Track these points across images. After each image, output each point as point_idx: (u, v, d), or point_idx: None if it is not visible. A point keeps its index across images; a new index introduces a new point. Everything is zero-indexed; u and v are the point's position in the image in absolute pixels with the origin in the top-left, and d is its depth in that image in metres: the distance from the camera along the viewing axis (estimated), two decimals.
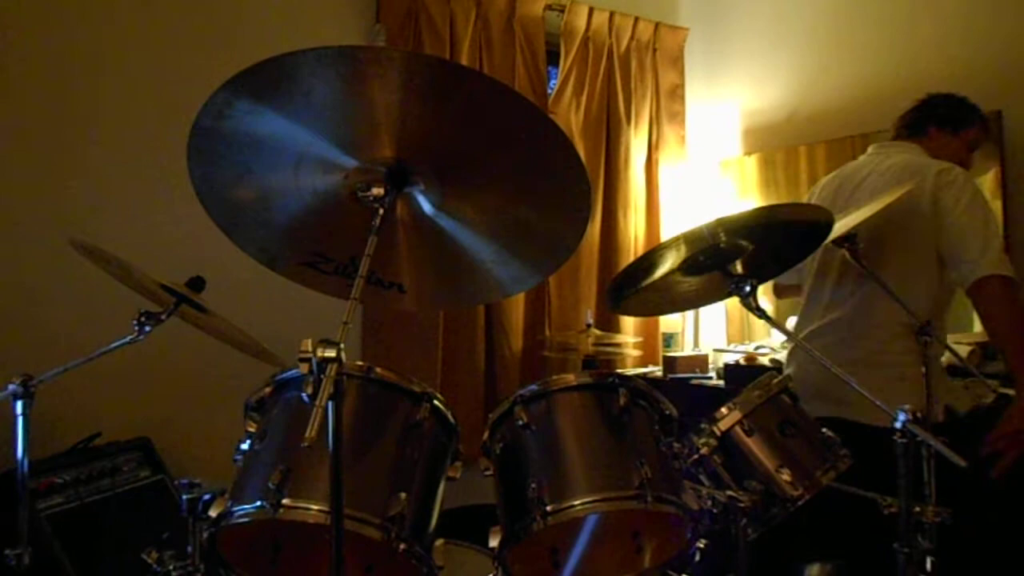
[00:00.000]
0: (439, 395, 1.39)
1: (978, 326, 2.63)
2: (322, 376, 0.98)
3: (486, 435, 1.50)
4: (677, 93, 3.67)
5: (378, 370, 1.35)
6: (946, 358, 2.42)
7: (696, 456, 1.56)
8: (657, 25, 3.57)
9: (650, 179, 3.57)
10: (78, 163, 2.36)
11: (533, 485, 1.31)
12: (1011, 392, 1.91)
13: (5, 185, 2.25)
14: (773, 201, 3.32)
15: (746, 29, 3.58)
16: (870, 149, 2.23)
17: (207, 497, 1.31)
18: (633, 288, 1.62)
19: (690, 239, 1.44)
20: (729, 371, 2.79)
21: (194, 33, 2.54)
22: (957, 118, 2.16)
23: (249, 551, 1.35)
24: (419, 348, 2.93)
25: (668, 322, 3.49)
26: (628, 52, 3.50)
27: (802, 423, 1.62)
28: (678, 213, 3.57)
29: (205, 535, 1.26)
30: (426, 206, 1.34)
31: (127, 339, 1.58)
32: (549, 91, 3.30)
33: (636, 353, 3.32)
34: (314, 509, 1.17)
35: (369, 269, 1.15)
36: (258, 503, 1.18)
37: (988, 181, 2.66)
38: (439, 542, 1.30)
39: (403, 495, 1.23)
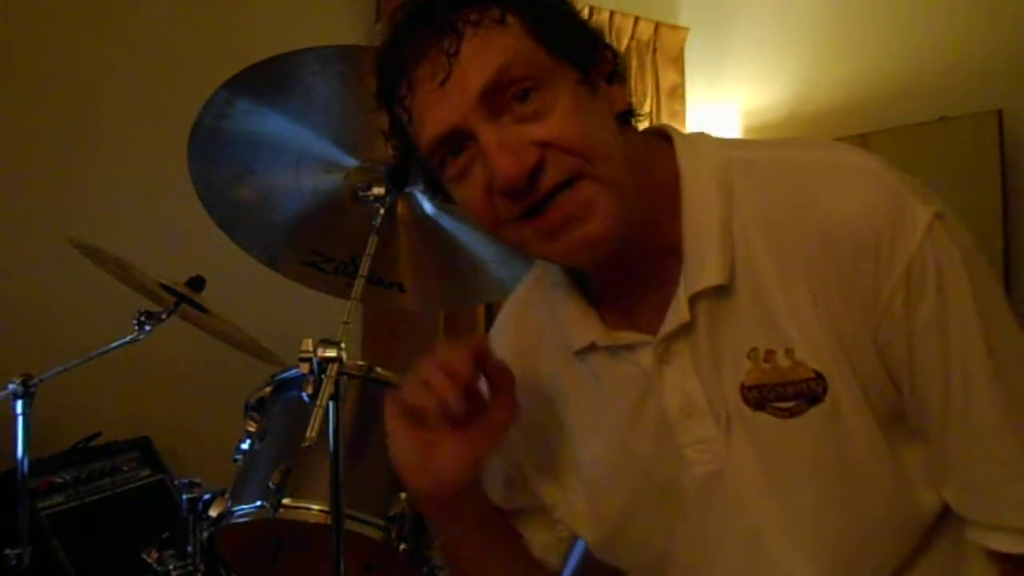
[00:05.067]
0: None
1: None
2: (322, 376, 0.98)
3: None
4: (677, 93, 3.66)
5: (378, 370, 1.35)
6: None
7: None
8: (657, 25, 3.57)
9: None
10: (78, 163, 2.35)
11: None
12: None
13: (5, 185, 2.24)
14: None
15: (746, 29, 3.58)
16: None
17: (207, 497, 1.31)
18: None
19: None
20: None
21: (194, 32, 2.54)
22: None
23: (249, 551, 1.35)
24: (419, 348, 2.91)
25: None
26: (628, 51, 3.49)
27: None
28: None
29: (205, 535, 1.27)
30: (427, 205, 1.34)
31: (127, 339, 1.58)
32: None
33: None
34: (314, 509, 1.17)
35: (369, 268, 1.15)
36: (258, 503, 1.19)
37: (988, 182, 2.66)
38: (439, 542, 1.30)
39: (403, 495, 1.23)
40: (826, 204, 0.70)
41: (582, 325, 0.80)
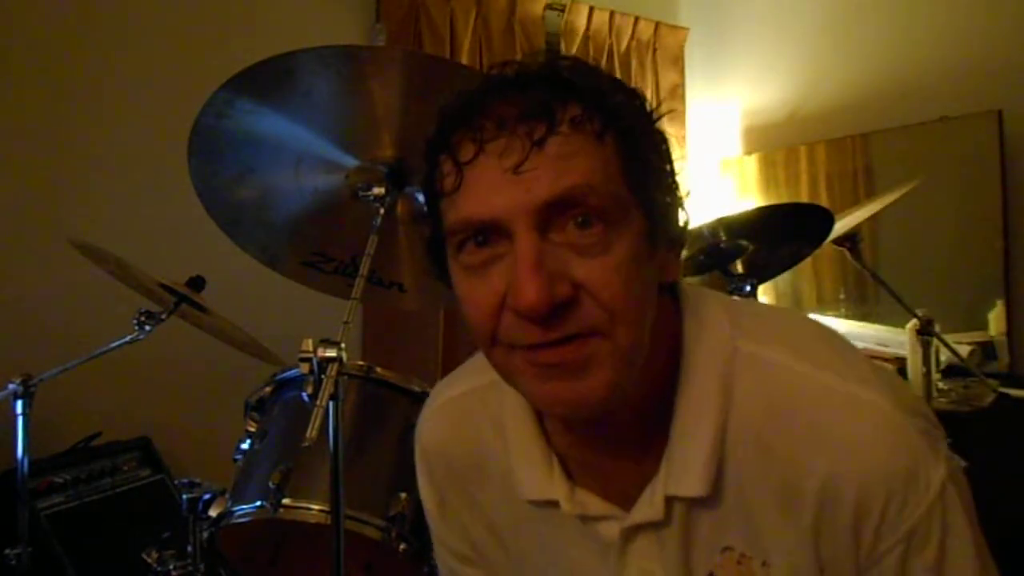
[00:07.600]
0: None
1: (981, 325, 2.63)
2: (323, 376, 0.98)
3: None
4: (677, 93, 3.66)
5: (378, 370, 1.35)
6: (946, 357, 2.43)
7: None
8: (657, 25, 3.57)
9: None
10: (78, 163, 2.35)
11: None
12: (1012, 392, 1.90)
13: (5, 185, 2.24)
14: (774, 201, 3.32)
15: (746, 29, 3.58)
16: None
17: (207, 497, 1.31)
18: None
19: (690, 238, 1.44)
20: None
21: (194, 33, 2.54)
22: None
23: (249, 551, 1.35)
24: (419, 348, 2.93)
25: None
26: (628, 51, 3.49)
27: None
28: None
29: (205, 535, 1.27)
30: None
31: (127, 339, 1.58)
32: None
33: None
34: (314, 509, 1.17)
35: (370, 268, 1.15)
36: (258, 503, 1.19)
37: (988, 182, 2.66)
38: None
39: (403, 495, 1.23)
40: (833, 454, 0.64)
41: (543, 476, 0.72)
